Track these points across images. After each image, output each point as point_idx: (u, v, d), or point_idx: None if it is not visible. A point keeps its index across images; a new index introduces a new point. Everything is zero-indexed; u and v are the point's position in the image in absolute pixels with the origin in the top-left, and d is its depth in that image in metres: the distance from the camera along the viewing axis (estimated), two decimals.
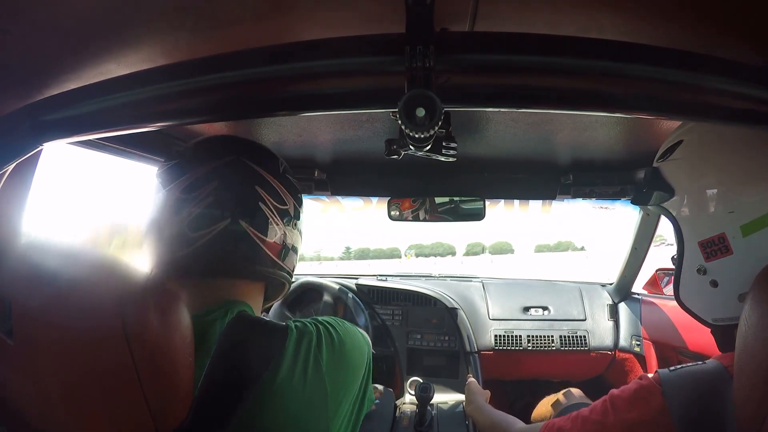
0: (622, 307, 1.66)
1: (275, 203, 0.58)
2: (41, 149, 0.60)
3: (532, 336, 1.57)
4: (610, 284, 1.75)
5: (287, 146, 1.08)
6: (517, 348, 1.57)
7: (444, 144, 0.61)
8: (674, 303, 0.75)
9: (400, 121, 0.41)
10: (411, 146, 0.55)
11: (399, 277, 1.85)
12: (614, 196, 1.20)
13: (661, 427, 0.56)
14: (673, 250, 0.72)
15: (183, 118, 0.56)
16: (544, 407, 1.36)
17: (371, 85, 0.48)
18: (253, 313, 0.57)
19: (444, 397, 1.44)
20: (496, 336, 1.59)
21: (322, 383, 0.49)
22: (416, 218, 1.34)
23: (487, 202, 1.31)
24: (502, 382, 1.67)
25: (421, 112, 0.40)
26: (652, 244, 1.51)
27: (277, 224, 0.58)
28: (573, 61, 0.45)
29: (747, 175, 0.60)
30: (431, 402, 1.29)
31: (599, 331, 1.61)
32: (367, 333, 1.24)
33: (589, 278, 1.88)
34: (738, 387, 0.51)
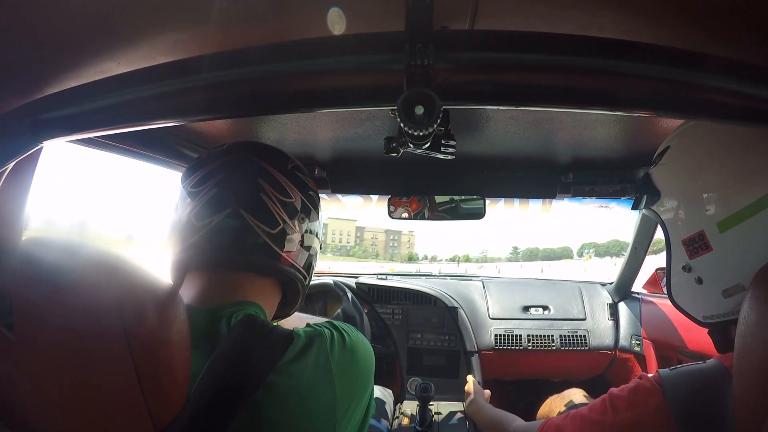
0: (622, 307, 1.66)
1: (279, 196, 0.58)
2: (41, 147, 0.60)
3: (533, 335, 1.57)
4: (610, 283, 1.75)
5: (287, 144, 1.08)
6: (517, 348, 1.57)
7: (443, 142, 0.61)
8: None
9: (399, 119, 0.42)
10: (410, 144, 0.55)
11: (399, 276, 1.85)
12: (614, 195, 1.19)
13: (660, 426, 0.56)
14: None
15: (183, 116, 0.56)
16: (547, 407, 1.36)
17: (371, 82, 0.48)
18: (264, 314, 0.57)
19: (444, 397, 1.44)
20: (496, 335, 1.59)
21: (331, 389, 0.48)
22: (416, 216, 1.35)
23: (487, 201, 1.31)
24: (502, 381, 1.67)
25: (420, 110, 0.40)
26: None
27: (281, 217, 0.58)
28: (573, 59, 0.45)
29: (721, 175, 0.63)
30: (431, 401, 1.29)
31: (599, 330, 1.60)
32: (367, 332, 1.24)
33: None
34: (738, 386, 0.51)
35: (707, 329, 0.69)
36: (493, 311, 1.66)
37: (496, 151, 1.11)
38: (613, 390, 0.64)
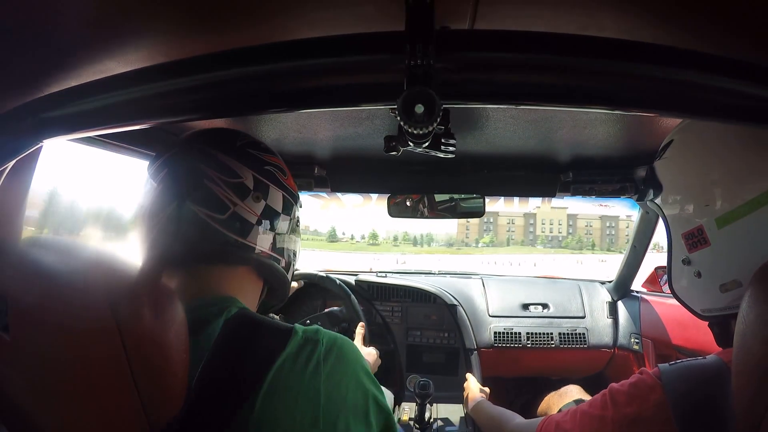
0: (621, 305, 1.67)
1: (224, 177, 0.55)
2: (41, 146, 0.60)
3: (532, 333, 1.58)
4: (609, 282, 1.75)
5: (287, 143, 1.08)
6: (516, 345, 1.57)
7: (443, 141, 0.61)
8: (673, 301, 0.77)
9: (399, 118, 0.42)
10: (410, 143, 0.55)
11: (398, 274, 1.86)
12: (614, 193, 1.19)
13: (660, 421, 0.56)
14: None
15: (183, 115, 0.56)
16: (546, 405, 1.37)
17: (371, 81, 0.48)
18: (241, 305, 0.55)
19: (443, 395, 1.45)
20: (495, 333, 1.59)
21: (317, 393, 0.45)
22: (417, 215, 1.35)
23: (487, 199, 1.32)
24: (501, 379, 1.68)
25: (420, 108, 0.40)
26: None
27: (230, 199, 0.55)
28: (572, 59, 0.45)
29: (721, 172, 0.64)
30: (430, 399, 1.29)
31: (598, 328, 1.61)
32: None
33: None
34: (737, 382, 0.51)
35: (708, 324, 0.70)
36: (493, 309, 1.67)
37: (496, 150, 1.11)
38: (614, 385, 0.64)
